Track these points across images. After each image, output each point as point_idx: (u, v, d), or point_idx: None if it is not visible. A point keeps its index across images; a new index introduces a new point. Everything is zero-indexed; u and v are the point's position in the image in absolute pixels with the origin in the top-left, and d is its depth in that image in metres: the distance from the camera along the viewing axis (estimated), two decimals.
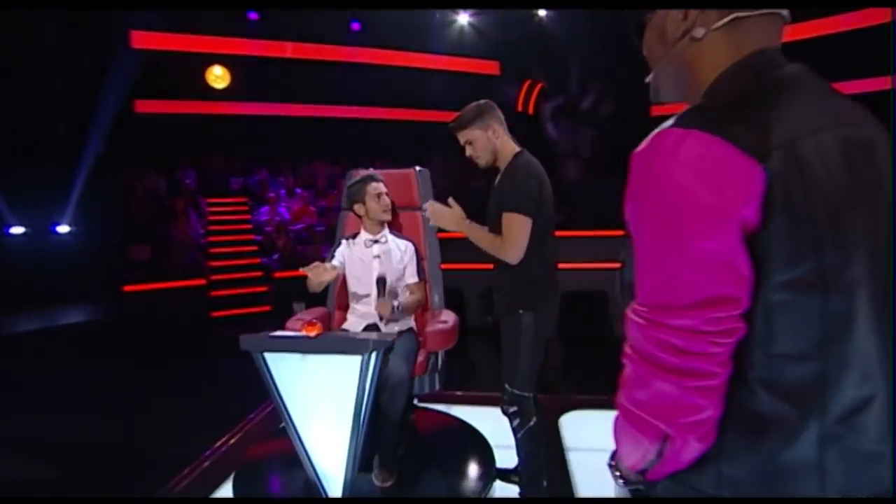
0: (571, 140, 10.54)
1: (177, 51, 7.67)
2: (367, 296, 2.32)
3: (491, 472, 2.14)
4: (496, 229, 1.85)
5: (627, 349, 0.64)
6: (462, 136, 1.94)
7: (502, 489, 2.13)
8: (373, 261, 2.32)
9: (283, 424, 1.72)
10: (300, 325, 1.59)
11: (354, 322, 2.34)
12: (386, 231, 2.39)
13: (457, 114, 1.96)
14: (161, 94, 7.77)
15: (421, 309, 2.47)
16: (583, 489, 2.23)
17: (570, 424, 2.73)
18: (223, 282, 6.00)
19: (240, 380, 4.02)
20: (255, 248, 6.72)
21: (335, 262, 2.34)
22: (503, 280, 1.92)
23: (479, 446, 2.31)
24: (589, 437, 2.57)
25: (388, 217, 2.35)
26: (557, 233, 1.96)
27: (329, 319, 2.51)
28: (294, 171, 8.54)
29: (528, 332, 1.86)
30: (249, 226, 7.10)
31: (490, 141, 1.89)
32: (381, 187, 2.33)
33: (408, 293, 2.32)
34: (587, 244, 4.32)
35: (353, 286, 2.35)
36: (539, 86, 10.40)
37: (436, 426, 2.58)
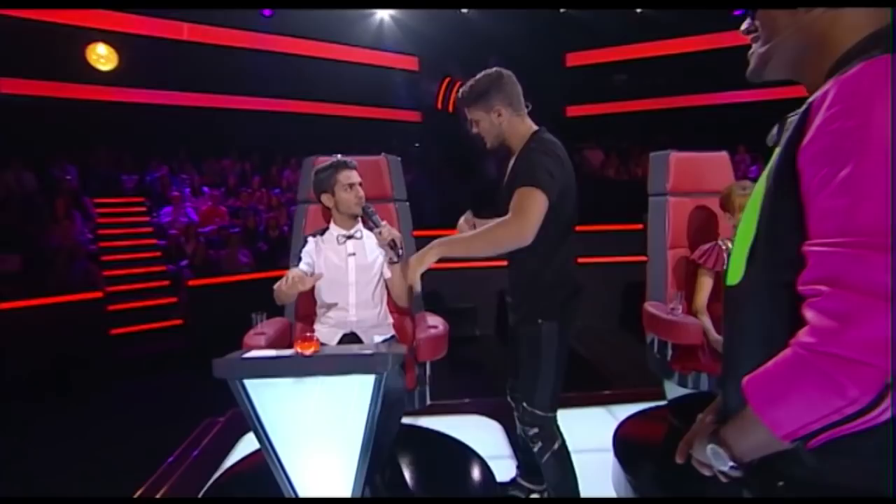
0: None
1: (49, 22, 6.47)
2: (336, 304, 1.99)
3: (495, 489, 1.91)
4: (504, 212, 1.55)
5: (821, 287, 0.58)
6: (467, 113, 1.69)
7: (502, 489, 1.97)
8: (347, 260, 2.00)
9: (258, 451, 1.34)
10: (298, 342, 1.25)
11: (327, 333, 2.01)
12: (360, 225, 2.07)
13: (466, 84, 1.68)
14: (28, 72, 6.54)
15: (398, 314, 2.18)
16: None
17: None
18: (123, 294, 5.15)
19: (156, 405, 3.49)
20: (158, 253, 5.87)
21: (303, 265, 1.98)
22: (519, 283, 1.69)
23: (475, 464, 2.07)
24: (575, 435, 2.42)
25: (360, 211, 2.04)
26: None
27: (290, 331, 2.13)
28: (198, 167, 7.66)
29: (551, 344, 1.62)
30: (150, 229, 6.20)
31: (493, 124, 1.65)
32: (354, 176, 2.03)
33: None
34: None
35: (325, 292, 2.01)
36: (459, 84, 10.36)
37: (421, 445, 2.29)
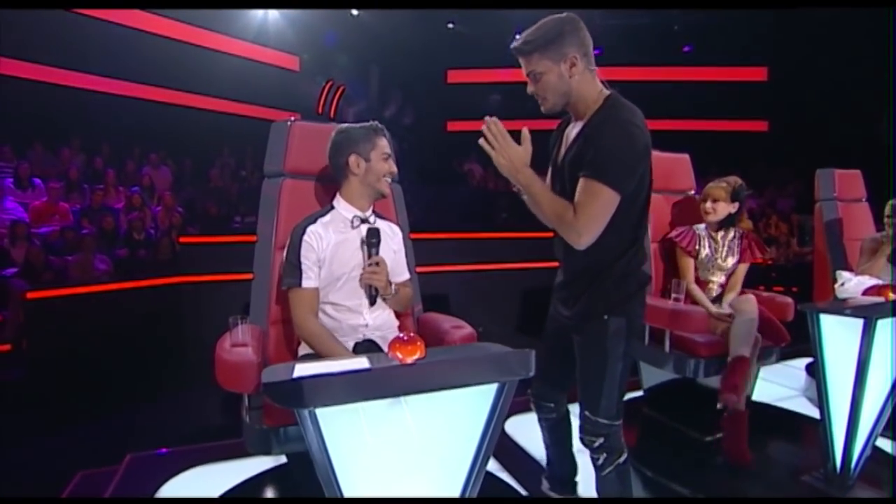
0: None
1: None
2: (346, 305, 1.61)
3: None
4: (565, 197, 1.38)
5: None
6: (526, 65, 1.40)
7: (502, 489, 1.86)
8: (364, 249, 1.63)
9: None
10: (396, 346, 0.90)
11: None
12: (372, 208, 1.72)
13: (521, 36, 1.42)
14: None
15: (401, 317, 1.85)
16: None
17: (519, 425, 2.42)
18: None
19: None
20: None
21: (307, 282, 1.57)
22: (583, 272, 1.48)
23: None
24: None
25: (388, 191, 1.70)
26: None
27: (264, 339, 1.67)
28: (22, 153, 6.09)
29: (619, 343, 1.45)
30: None
31: (563, 79, 1.37)
32: (390, 148, 1.68)
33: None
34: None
35: (332, 289, 1.61)
36: (341, 89, 10.02)
37: None
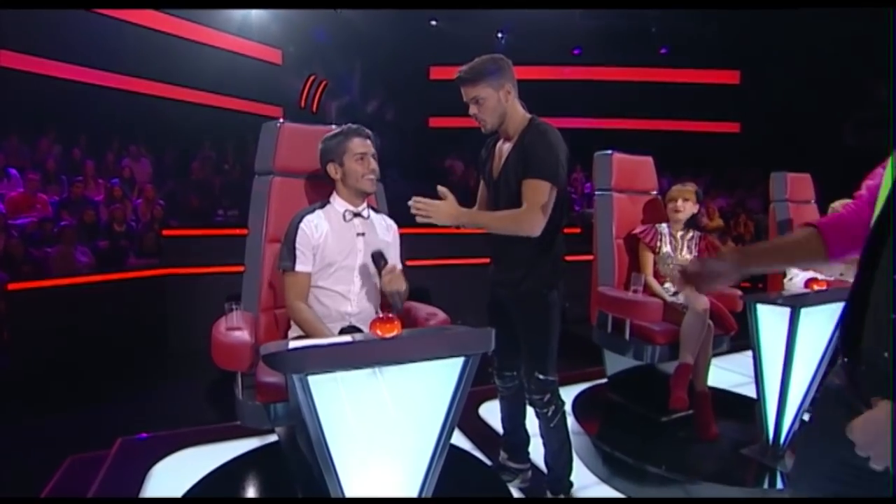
0: None
1: None
2: (337, 291, 1.75)
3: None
4: (508, 200, 1.70)
5: None
6: (470, 92, 1.71)
7: (503, 489, 1.95)
8: (356, 239, 1.77)
9: None
10: (377, 324, 1.05)
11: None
12: (365, 204, 1.86)
13: (467, 65, 1.71)
14: None
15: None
16: None
17: (491, 410, 2.60)
18: None
19: None
20: None
21: (301, 266, 1.71)
22: (526, 258, 1.77)
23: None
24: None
25: (374, 188, 1.83)
26: None
27: (255, 324, 1.80)
28: None
29: (555, 311, 1.78)
30: None
31: (500, 103, 1.70)
32: (369, 146, 1.81)
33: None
34: None
35: (324, 276, 1.75)
36: (324, 83, 10.03)
37: None
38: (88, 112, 6.85)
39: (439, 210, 1.60)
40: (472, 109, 1.73)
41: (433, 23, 9.55)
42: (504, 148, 1.78)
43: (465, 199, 1.90)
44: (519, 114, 1.75)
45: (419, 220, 1.60)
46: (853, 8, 6.96)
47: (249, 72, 8.79)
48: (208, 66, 7.95)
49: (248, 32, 8.55)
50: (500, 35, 9.97)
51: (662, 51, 10.39)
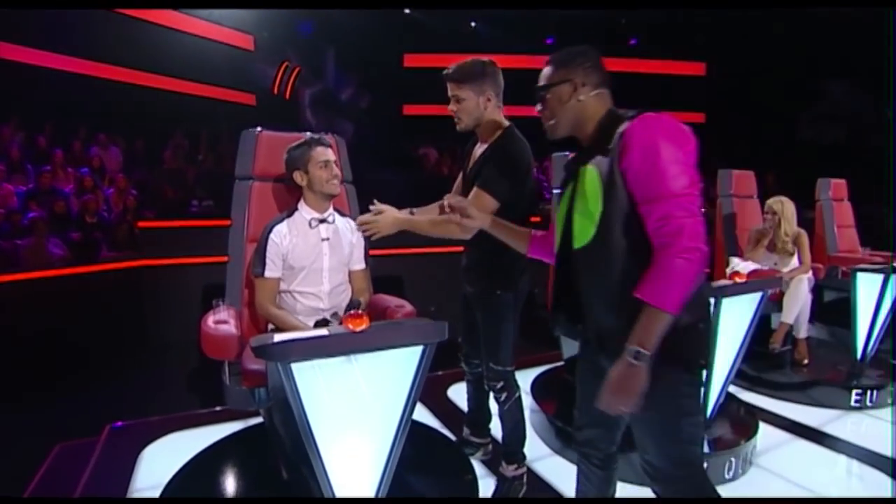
0: (329, 130, 10.52)
1: None
2: (308, 291, 1.93)
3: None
4: (466, 193, 1.81)
5: (660, 222, 1.13)
6: (453, 89, 1.81)
7: (465, 460, 2.17)
8: (321, 244, 1.94)
9: None
10: (348, 319, 1.24)
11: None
12: (331, 209, 2.03)
13: (457, 63, 1.81)
14: None
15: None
16: None
17: (459, 392, 2.85)
18: None
19: None
20: None
21: (269, 273, 1.88)
22: (481, 262, 1.92)
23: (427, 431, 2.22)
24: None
25: (337, 191, 2.01)
26: None
27: (239, 318, 1.98)
28: None
29: (508, 311, 1.91)
30: None
31: (478, 107, 1.81)
32: (330, 153, 1.99)
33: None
34: None
35: (296, 279, 1.93)
36: (297, 70, 9.96)
37: None
38: (52, 99, 6.70)
39: (384, 223, 1.70)
40: (452, 106, 1.83)
41: (407, 11, 9.56)
42: (478, 151, 1.91)
43: (440, 187, 2.08)
44: (497, 120, 1.84)
45: (372, 238, 1.71)
46: (852, 8, 7.23)
47: (222, 58, 8.67)
48: (178, 52, 7.83)
49: (220, 17, 8.42)
50: (473, 24, 10.06)
51: (632, 42, 10.65)
